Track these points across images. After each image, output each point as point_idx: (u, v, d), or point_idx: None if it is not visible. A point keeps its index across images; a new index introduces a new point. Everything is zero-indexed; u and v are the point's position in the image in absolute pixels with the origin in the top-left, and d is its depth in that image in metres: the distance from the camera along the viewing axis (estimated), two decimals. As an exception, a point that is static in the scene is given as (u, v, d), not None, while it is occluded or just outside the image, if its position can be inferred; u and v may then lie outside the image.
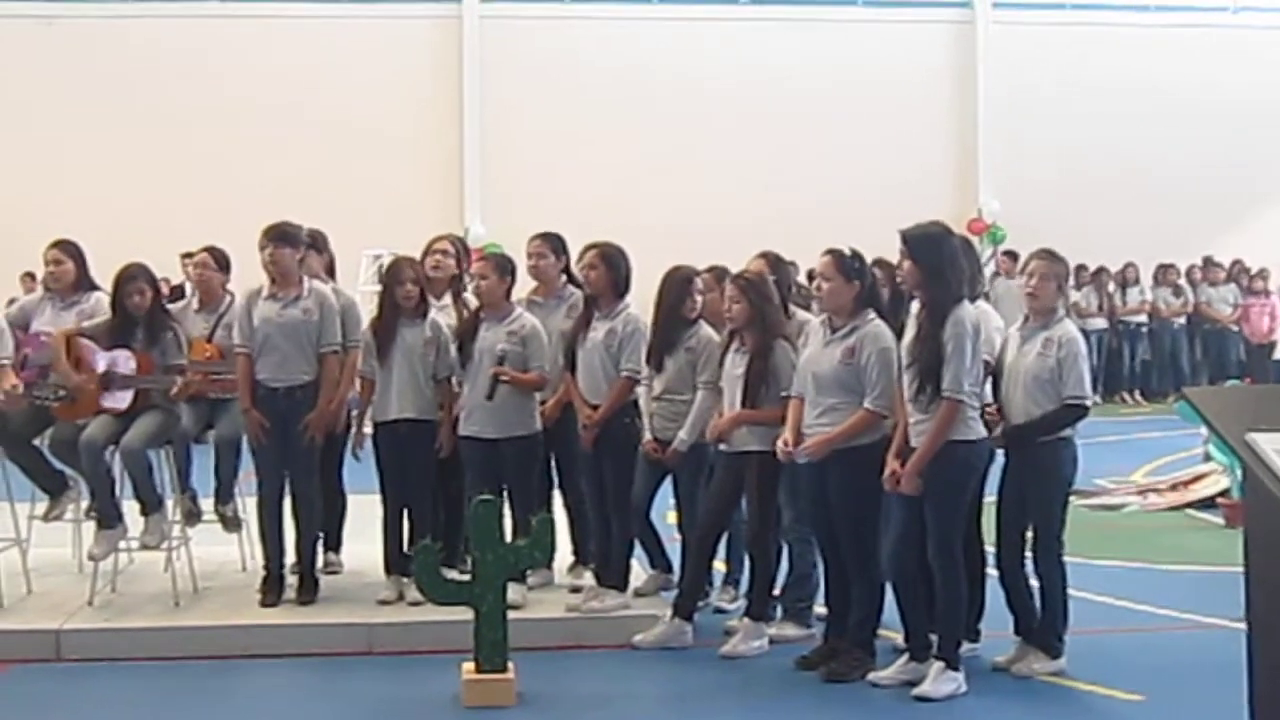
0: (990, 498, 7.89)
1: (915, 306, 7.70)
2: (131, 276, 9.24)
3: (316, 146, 23.06)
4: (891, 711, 7.40)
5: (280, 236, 9.03)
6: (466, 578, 7.88)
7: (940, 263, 7.53)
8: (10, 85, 23.24)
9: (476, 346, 8.93)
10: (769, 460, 8.10)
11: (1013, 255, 21.98)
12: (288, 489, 9.04)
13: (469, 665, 7.53)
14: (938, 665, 7.50)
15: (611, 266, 8.96)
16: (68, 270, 9.73)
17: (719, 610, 9.12)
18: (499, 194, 23.26)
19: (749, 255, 8.93)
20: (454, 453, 9.01)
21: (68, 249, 9.78)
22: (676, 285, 8.79)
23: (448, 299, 9.58)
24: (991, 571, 8.08)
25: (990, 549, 8.04)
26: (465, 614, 7.59)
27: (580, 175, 23.38)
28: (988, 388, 7.81)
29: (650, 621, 8.62)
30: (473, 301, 9.33)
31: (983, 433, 7.56)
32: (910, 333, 7.60)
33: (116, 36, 23.43)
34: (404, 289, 9.07)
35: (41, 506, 9.69)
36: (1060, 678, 7.80)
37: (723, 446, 8.39)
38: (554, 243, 9.65)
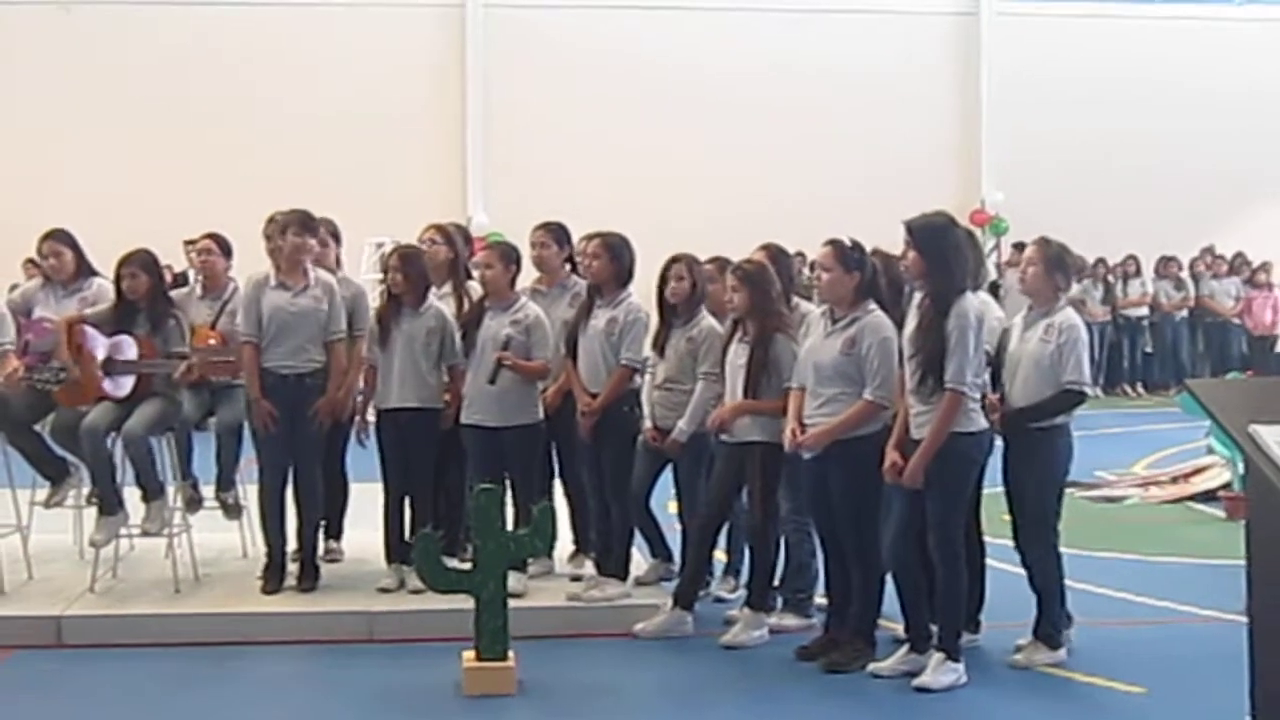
0: (995, 488, 7.89)
1: (917, 297, 7.70)
2: (128, 261, 9.24)
3: (319, 135, 23.06)
4: (891, 702, 7.40)
5: (304, 224, 9.03)
6: (467, 566, 7.88)
7: (944, 253, 7.53)
8: (19, 71, 23.23)
9: (480, 335, 8.93)
10: (770, 450, 8.11)
11: (1022, 247, 21.94)
12: (290, 476, 9.03)
13: (469, 653, 7.54)
14: (938, 656, 7.50)
15: (614, 256, 8.96)
16: (67, 261, 9.72)
17: (719, 600, 9.13)
18: (502, 183, 23.27)
19: (751, 246, 8.93)
20: (455, 441, 9.01)
21: (63, 239, 9.77)
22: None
23: (448, 287, 9.57)
24: (995, 563, 8.10)
25: (996, 540, 8.05)
26: (466, 602, 7.59)
27: (583, 164, 23.38)
28: (988, 379, 7.81)
29: (651, 611, 8.64)
30: (475, 290, 9.34)
31: (983, 424, 7.56)
32: (912, 323, 7.59)
33: (122, 25, 23.43)
34: (391, 277, 9.09)
35: (43, 493, 9.70)
36: (1061, 669, 7.81)
37: (724, 436, 8.39)
38: (557, 232, 9.65)
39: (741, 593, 8.85)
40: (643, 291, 9.01)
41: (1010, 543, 7.99)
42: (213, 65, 23.28)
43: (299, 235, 9.00)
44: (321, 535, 9.44)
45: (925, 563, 7.57)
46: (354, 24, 23.78)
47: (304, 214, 9.10)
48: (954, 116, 25.23)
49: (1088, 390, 7.82)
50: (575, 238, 9.70)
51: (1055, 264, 7.94)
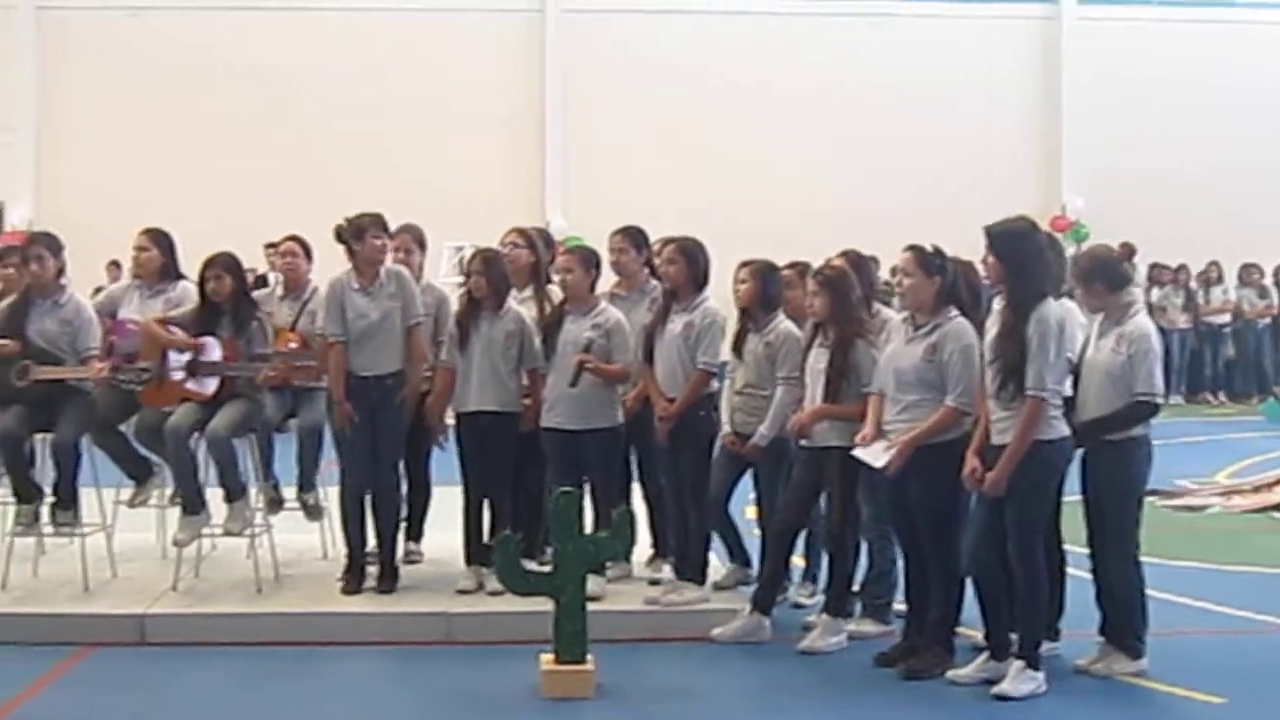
0: (1074, 496, 7.84)
1: (998, 303, 7.66)
2: (212, 264, 9.34)
3: (399, 139, 23.22)
4: (970, 710, 7.37)
5: (380, 226, 9.10)
6: (547, 569, 7.91)
7: (1024, 258, 7.49)
8: (96, 77, 23.52)
9: (561, 339, 8.97)
10: (849, 456, 8.08)
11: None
12: (371, 478, 9.09)
13: (548, 656, 7.56)
14: (1018, 664, 7.46)
15: (690, 260, 8.96)
16: (153, 258, 9.83)
17: (797, 605, 9.12)
18: (580, 187, 23.33)
19: (829, 250, 8.91)
20: (534, 444, 9.05)
21: (155, 237, 9.90)
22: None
23: (529, 291, 9.61)
24: (1076, 571, 8.05)
25: (1075, 548, 8.00)
26: (544, 605, 7.63)
27: (660, 169, 23.42)
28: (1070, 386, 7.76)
29: (728, 616, 8.63)
30: (556, 294, 9.37)
31: (1065, 431, 7.51)
32: (993, 329, 7.55)
33: (203, 29, 23.67)
34: (473, 280, 9.14)
35: (127, 492, 9.81)
36: (1140, 679, 7.74)
37: (803, 441, 8.38)
38: (635, 237, 9.67)
39: (820, 598, 8.83)
40: (722, 296, 9.02)
41: (1089, 551, 7.93)
42: (293, 71, 23.50)
43: (376, 237, 9.06)
44: (401, 537, 9.49)
45: (1005, 569, 7.53)
46: (434, 30, 23.93)
47: (379, 217, 9.16)
48: (1034, 121, 25.07)
49: (1159, 401, 7.74)
50: (652, 242, 9.72)
51: (1093, 273, 7.86)
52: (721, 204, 22.05)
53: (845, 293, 8.27)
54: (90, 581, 9.13)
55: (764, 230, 18.20)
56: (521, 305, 9.33)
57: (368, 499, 9.11)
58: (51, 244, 9.70)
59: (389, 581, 9.08)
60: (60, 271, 9.66)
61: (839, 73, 24.21)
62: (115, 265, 18.70)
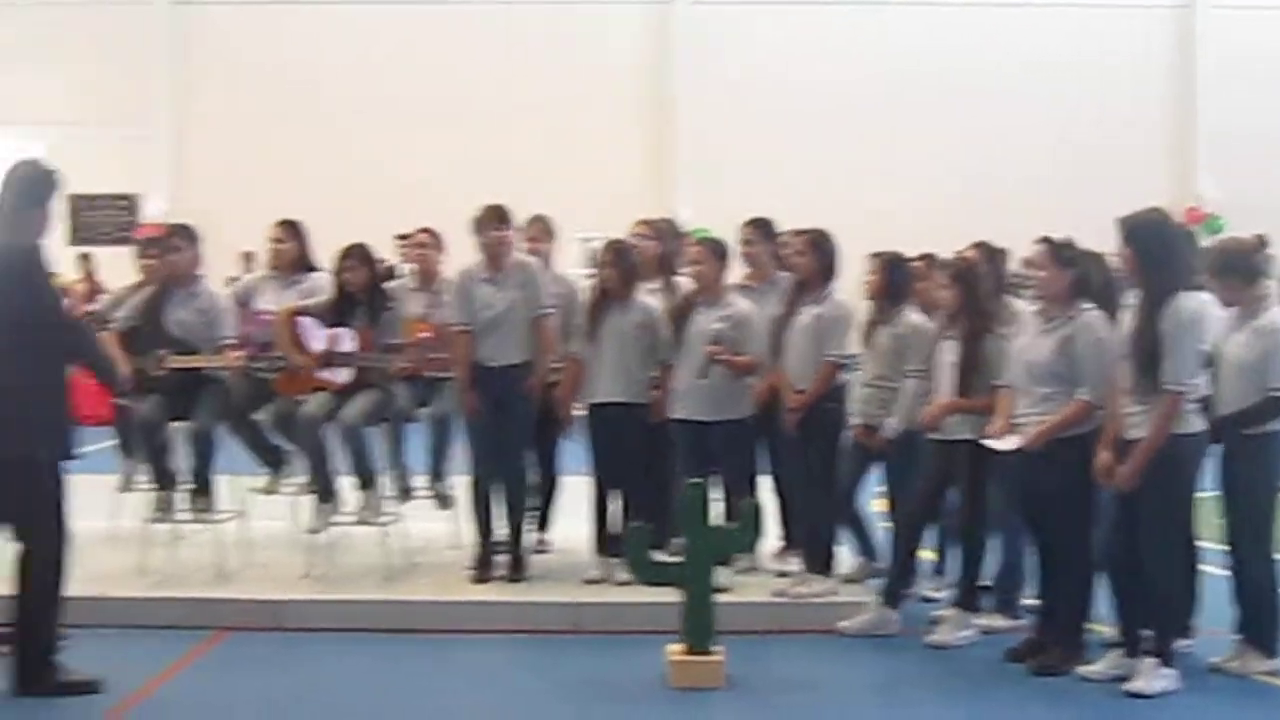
0: (1211, 492, 7.73)
1: (1133, 296, 7.57)
2: (347, 255, 9.46)
3: (528, 131, 23.29)
4: (1102, 706, 7.29)
5: (500, 217, 9.18)
6: (675, 559, 7.93)
7: (1159, 251, 7.39)
8: (229, 70, 23.85)
9: (690, 330, 8.99)
10: (980, 449, 8.02)
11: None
12: (500, 468, 9.16)
13: (675, 646, 7.58)
14: (1151, 661, 7.36)
15: (820, 252, 8.94)
16: (289, 248, 9.98)
17: (926, 599, 9.06)
18: (706, 179, 23.27)
19: (958, 242, 8.87)
20: (663, 434, 9.07)
21: (290, 228, 10.05)
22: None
23: (657, 282, 9.63)
24: (1213, 569, 7.95)
25: (1212, 545, 7.90)
26: (671, 595, 7.66)
27: (787, 160, 23.29)
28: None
29: (856, 608, 8.62)
30: (684, 285, 9.38)
31: (1199, 426, 7.40)
32: (1128, 323, 7.46)
33: (334, 23, 23.92)
34: (602, 271, 9.17)
35: (262, 480, 9.97)
36: (1276, 678, 7.62)
37: (933, 434, 8.34)
38: (765, 229, 9.67)
39: (949, 592, 8.78)
40: (851, 288, 9.00)
41: (1225, 548, 7.82)
42: (422, 64, 23.63)
43: (495, 229, 9.13)
44: (531, 526, 9.55)
45: (1138, 565, 7.44)
46: (562, 21, 23.97)
47: (500, 208, 9.23)
48: (1167, 111, 24.66)
49: None
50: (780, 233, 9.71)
51: (1226, 266, 7.71)
52: (850, 195, 21.91)
53: (976, 285, 8.23)
54: (226, 567, 9.28)
55: (891, 221, 18.18)
56: (649, 297, 9.36)
57: (497, 488, 9.18)
58: (188, 235, 9.89)
59: (518, 570, 9.16)
60: (196, 262, 9.83)
61: (968, 61, 23.92)
62: (247, 256, 18.94)
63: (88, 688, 7.29)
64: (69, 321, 7.65)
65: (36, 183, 7.37)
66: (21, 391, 7.10)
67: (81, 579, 7.44)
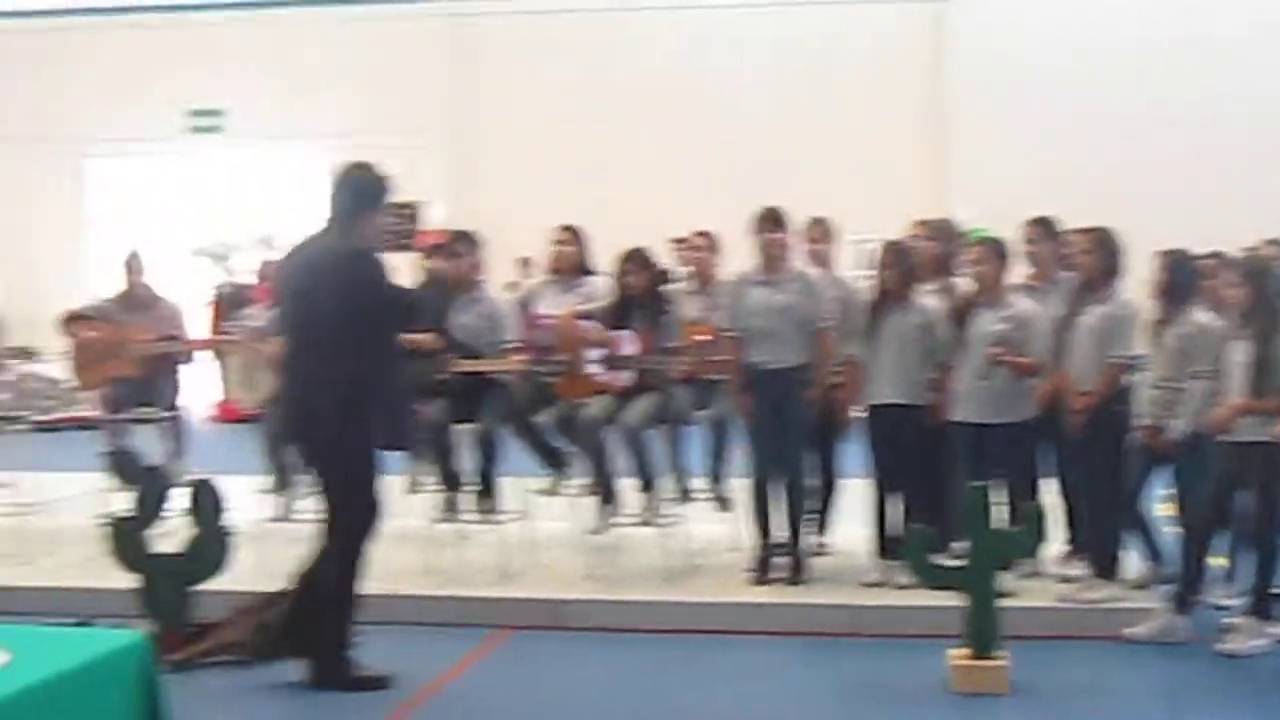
0: None
1: None
2: (628, 259, 9.58)
3: (802, 133, 23.27)
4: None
5: (771, 220, 9.18)
6: (957, 563, 7.85)
7: None
8: (506, 78, 24.32)
9: (971, 331, 8.88)
10: (1273, 451, 7.79)
11: None
12: (779, 470, 9.17)
13: (957, 651, 7.51)
14: None
15: (1106, 250, 8.76)
16: (572, 252, 10.15)
17: (1217, 607, 8.79)
18: (983, 178, 22.93)
19: (1241, 239, 8.61)
20: (943, 436, 8.98)
21: (573, 232, 10.23)
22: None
23: (937, 283, 9.53)
24: None
25: None
26: (950, 599, 7.59)
27: (1058, 158, 22.82)
28: None
29: (1142, 615, 8.42)
30: (962, 286, 9.28)
31: None
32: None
33: (612, 29, 24.22)
34: (880, 272, 9.11)
35: (544, 482, 10.14)
36: None
37: (1223, 436, 8.11)
38: (1048, 227, 9.51)
39: (1241, 600, 8.52)
40: (1136, 287, 8.81)
41: None
42: (698, 69, 23.78)
43: (772, 231, 9.13)
44: (810, 529, 9.54)
45: None
46: (834, 22, 23.90)
47: (775, 210, 9.23)
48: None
49: None
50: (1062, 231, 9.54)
51: None
52: (1130, 190, 21.38)
53: (1267, 284, 7.98)
54: (509, 567, 9.46)
55: (1173, 217, 17.67)
56: (928, 298, 9.28)
57: (776, 491, 9.19)
58: (470, 241, 10.12)
59: (797, 573, 9.16)
60: (479, 267, 10.05)
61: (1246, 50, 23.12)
62: (525, 262, 19.27)
63: (379, 683, 7.50)
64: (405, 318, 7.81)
65: (369, 186, 7.58)
66: (360, 385, 7.31)
67: (371, 577, 7.65)
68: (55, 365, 13.61)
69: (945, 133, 23.89)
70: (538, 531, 9.85)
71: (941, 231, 9.95)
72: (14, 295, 21.12)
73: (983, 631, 7.44)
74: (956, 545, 8.15)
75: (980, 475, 8.30)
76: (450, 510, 9.77)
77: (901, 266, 9.06)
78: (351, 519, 7.42)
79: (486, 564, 9.51)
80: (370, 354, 7.36)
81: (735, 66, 23.80)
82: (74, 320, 11.42)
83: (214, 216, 25.14)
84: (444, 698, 7.59)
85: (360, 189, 7.52)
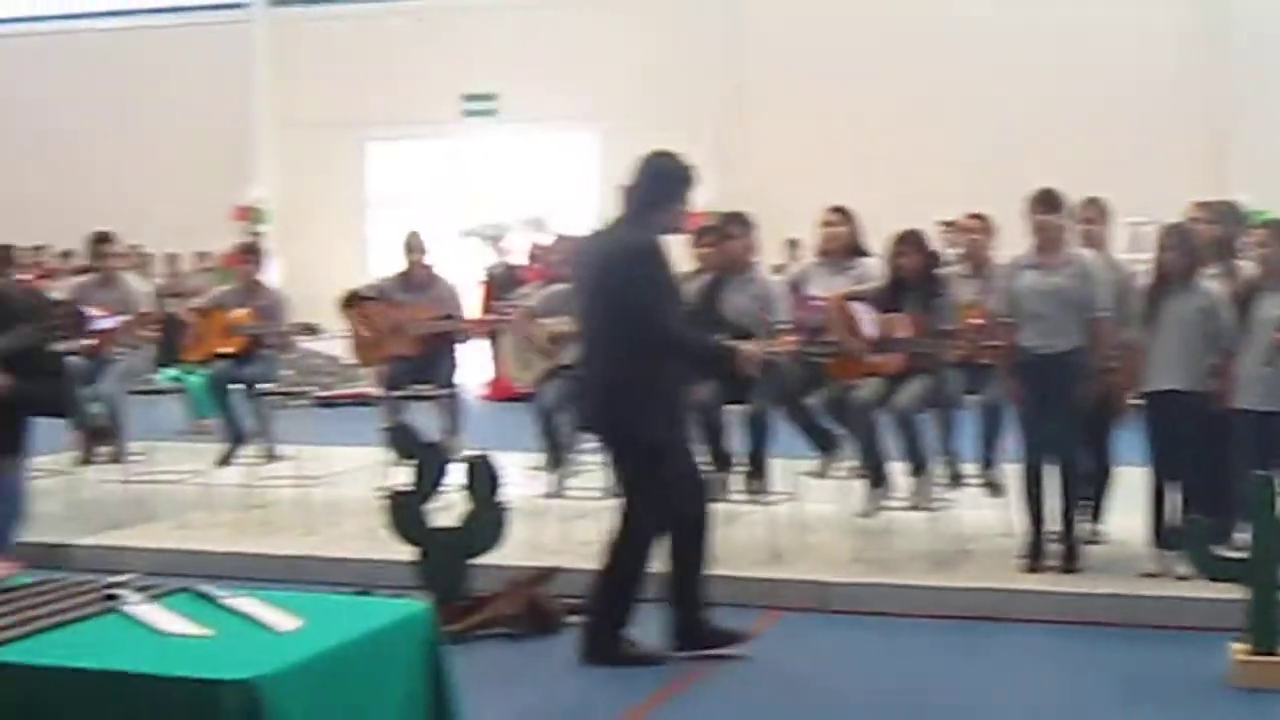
0: None
1: None
2: (901, 241, 9.52)
3: (1069, 115, 22.83)
4: None
5: (1045, 202, 9.03)
6: (1239, 554, 7.65)
7: None
8: (779, 57, 24.32)
9: (1255, 316, 8.63)
10: None
11: None
12: (1052, 456, 9.02)
13: (1239, 645, 7.32)
14: None
15: None
16: (842, 233, 10.14)
17: None
18: (1267, 160, 22.20)
19: None
20: (1225, 424, 8.73)
21: (844, 213, 10.21)
22: None
23: (1219, 267, 9.28)
24: None
25: None
26: (1230, 591, 7.41)
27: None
28: None
29: None
30: (1246, 269, 9.02)
31: None
32: None
33: (885, 5, 24.10)
34: (1161, 255, 8.90)
35: (814, 464, 10.14)
36: None
37: None
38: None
39: None
40: None
41: None
42: (971, 49, 23.50)
43: (1045, 212, 8.97)
44: (1085, 517, 9.38)
45: None
46: (1118, 4, 23.38)
47: (1049, 191, 9.05)
48: None
49: None
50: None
51: None
52: None
53: None
54: (778, 548, 9.48)
55: None
56: (1210, 282, 9.03)
57: (1049, 477, 9.05)
58: (743, 223, 10.17)
59: (1071, 561, 9.00)
60: (751, 249, 10.08)
61: None
62: (792, 244, 19.25)
63: (653, 659, 7.59)
64: (658, 322, 7.47)
65: (672, 176, 7.58)
66: (627, 379, 7.40)
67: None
68: (336, 343, 14.00)
69: (1227, 113, 23.15)
70: (806, 513, 9.85)
71: (1224, 214, 9.68)
72: (297, 275, 21.87)
73: (1265, 625, 7.23)
74: (1238, 536, 7.93)
75: (1264, 464, 8.06)
76: (720, 490, 9.82)
77: (1183, 249, 8.83)
78: (644, 509, 7.51)
79: (755, 544, 9.55)
80: (626, 349, 7.40)
81: (1014, 47, 23.42)
82: (354, 300, 11.74)
83: (486, 198, 25.66)
84: (717, 676, 7.59)
85: (662, 177, 7.54)
